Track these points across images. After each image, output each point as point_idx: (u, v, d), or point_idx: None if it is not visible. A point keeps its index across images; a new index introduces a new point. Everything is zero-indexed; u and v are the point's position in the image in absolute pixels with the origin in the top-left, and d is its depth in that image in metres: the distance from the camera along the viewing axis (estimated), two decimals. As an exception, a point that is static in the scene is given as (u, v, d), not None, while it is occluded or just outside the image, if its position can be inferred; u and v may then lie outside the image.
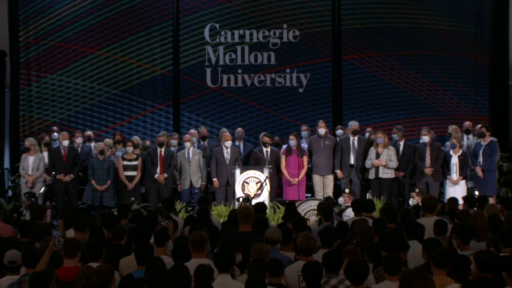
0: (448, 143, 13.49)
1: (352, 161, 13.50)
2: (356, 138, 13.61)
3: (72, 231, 8.30)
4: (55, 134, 14.32)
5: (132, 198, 12.30)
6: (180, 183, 13.53)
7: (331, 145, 13.62)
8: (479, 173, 13.07)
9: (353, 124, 13.78)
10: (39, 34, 16.22)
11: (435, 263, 6.14)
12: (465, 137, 14.04)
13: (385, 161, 13.14)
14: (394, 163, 13.18)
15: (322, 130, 13.58)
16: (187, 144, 13.48)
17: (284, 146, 13.78)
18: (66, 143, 13.50)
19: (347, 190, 12.22)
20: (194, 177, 13.42)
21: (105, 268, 6.01)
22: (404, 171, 13.33)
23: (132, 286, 5.72)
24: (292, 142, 13.29)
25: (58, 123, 15.91)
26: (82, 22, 16.23)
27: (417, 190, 12.06)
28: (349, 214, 10.85)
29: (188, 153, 13.49)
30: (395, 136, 13.56)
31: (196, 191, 13.19)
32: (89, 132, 14.75)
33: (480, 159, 13.16)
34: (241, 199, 11.81)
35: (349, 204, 11.19)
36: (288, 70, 16.16)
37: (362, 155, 13.50)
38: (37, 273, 5.95)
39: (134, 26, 16.23)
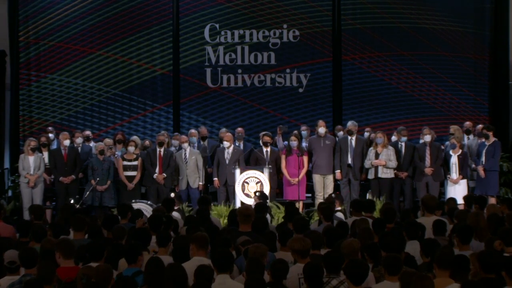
0: (448, 143, 13.51)
1: (349, 161, 13.51)
2: (354, 138, 13.61)
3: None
4: (50, 135, 14.33)
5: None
6: (177, 184, 13.54)
7: (331, 144, 13.62)
8: (481, 173, 13.07)
9: (348, 124, 13.81)
10: (39, 34, 16.22)
11: (438, 264, 6.09)
12: (465, 137, 14.05)
13: (384, 161, 13.14)
14: (393, 163, 13.18)
15: (322, 129, 13.58)
16: (185, 145, 13.49)
17: (285, 142, 13.77)
18: (67, 142, 13.49)
19: (172, 195, 12.08)
20: (191, 177, 13.42)
21: (104, 268, 6.02)
22: (407, 171, 13.34)
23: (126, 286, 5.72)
24: (294, 143, 13.28)
25: (58, 123, 15.92)
26: (82, 22, 16.23)
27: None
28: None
29: (185, 153, 13.49)
30: (403, 138, 13.51)
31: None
32: (87, 132, 14.75)
33: (483, 158, 13.17)
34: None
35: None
36: (288, 70, 16.16)
37: (360, 155, 13.50)
38: (32, 279, 5.93)
39: (134, 26, 16.23)
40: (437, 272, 6.06)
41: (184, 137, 13.71)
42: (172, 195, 12.12)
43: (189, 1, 16.22)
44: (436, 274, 6.02)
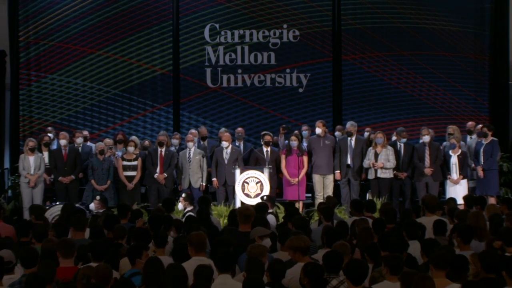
0: (447, 143, 13.50)
1: (348, 161, 13.51)
2: (353, 138, 13.61)
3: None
4: (50, 134, 14.33)
5: None
6: (180, 183, 13.53)
7: (331, 144, 13.62)
8: (480, 173, 13.06)
9: (347, 126, 13.81)
10: (39, 34, 16.21)
11: (434, 264, 6.10)
12: (467, 137, 14.04)
13: (382, 164, 13.13)
14: (392, 163, 13.19)
15: (318, 130, 13.58)
16: (190, 144, 13.46)
17: (285, 142, 13.77)
18: (62, 142, 13.49)
19: (97, 197, 11.95)
20: (193, 177, 13.41)
21: (104, 268, 6.02)
22: (406, 171, 13.34)
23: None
24: (294, 143, 13.28)
25: (58, 123, 15.91)
26: (82, 22, 16.22)
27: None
28: None
29: (189, 153, 13.48)
30: (402, 140, 13.51)
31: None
32: (85, 132, 14.74)
33: (481, 158, 13.16)
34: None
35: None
36: (288, 70, 16.16)
37: (360, 155, 13.50)
38: (34, 274, 5.94)
39: (134, 26, 16.22)
40: (433, 272, 6.06)
41: (189, 136, 13.67)
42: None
43: (189, 1, 16.22)
44: (432, 275, 6.00)
